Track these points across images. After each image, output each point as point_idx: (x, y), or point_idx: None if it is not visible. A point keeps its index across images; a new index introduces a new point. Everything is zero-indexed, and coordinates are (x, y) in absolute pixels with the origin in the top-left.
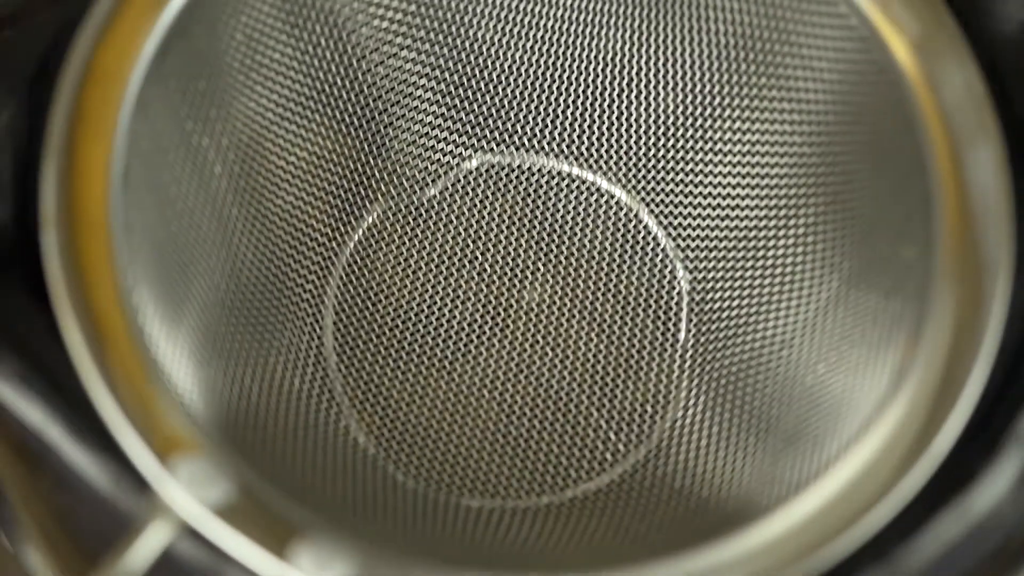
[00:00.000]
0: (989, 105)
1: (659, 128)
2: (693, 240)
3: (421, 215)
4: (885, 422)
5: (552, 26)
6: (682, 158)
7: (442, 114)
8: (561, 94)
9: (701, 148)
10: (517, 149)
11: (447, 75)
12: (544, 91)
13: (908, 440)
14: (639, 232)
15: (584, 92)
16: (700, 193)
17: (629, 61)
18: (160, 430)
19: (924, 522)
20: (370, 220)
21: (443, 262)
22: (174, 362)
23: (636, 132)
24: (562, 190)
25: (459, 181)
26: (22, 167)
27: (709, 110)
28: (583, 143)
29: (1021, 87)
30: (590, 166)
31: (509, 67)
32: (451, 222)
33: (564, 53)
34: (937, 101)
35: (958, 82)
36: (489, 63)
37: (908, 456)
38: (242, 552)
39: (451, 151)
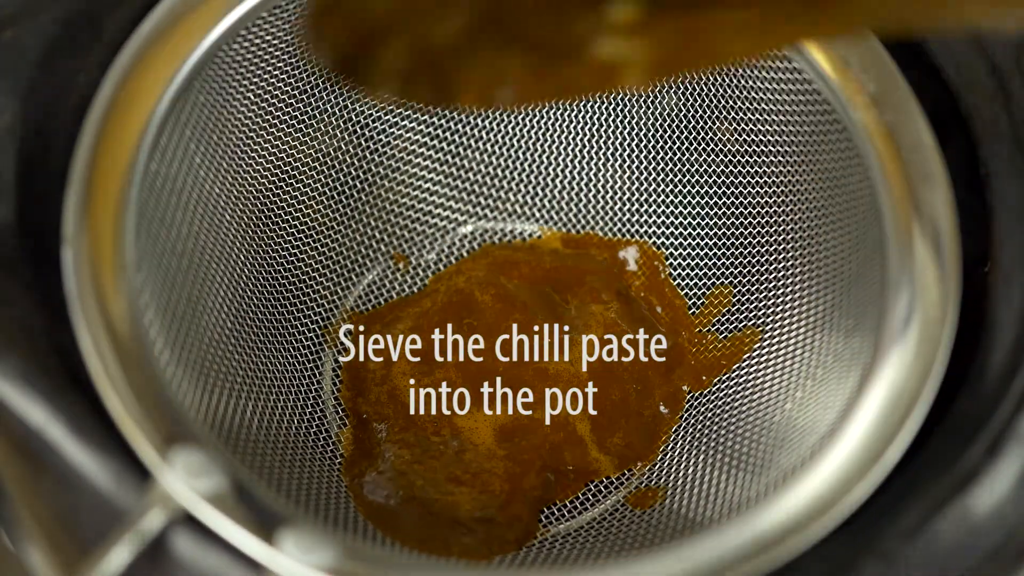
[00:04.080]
0: (937, 152)
1: (639, 196)
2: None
3: (419, 273)
4: (839, 445)
5: (540, 110)
6: (662, 222)
7: (439, 181)
8: (548, 166)
9: (680, 214)
10: (508, 216)
11: (445, 145)
12: (533, 165)
13: (860, 458)
14: None
15: (569, 163)
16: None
17: (609, 132)
18: (160, 425)
19: (924, 522)
20: (370, 277)
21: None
22: (178, 372)
23: (617, 200)
24: None
25: (454, 244)
26: (24, 168)
27: (686, 177)
28: (569, 211)
29: (1020, 84)
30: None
31: (502, 142)
32: (444, 279)
33: (551, 127)
34: (893, 150)
35: (911, 133)
36: (484, 136)
37: (858, 473)
38: (233, 536)
39: (448, 216)
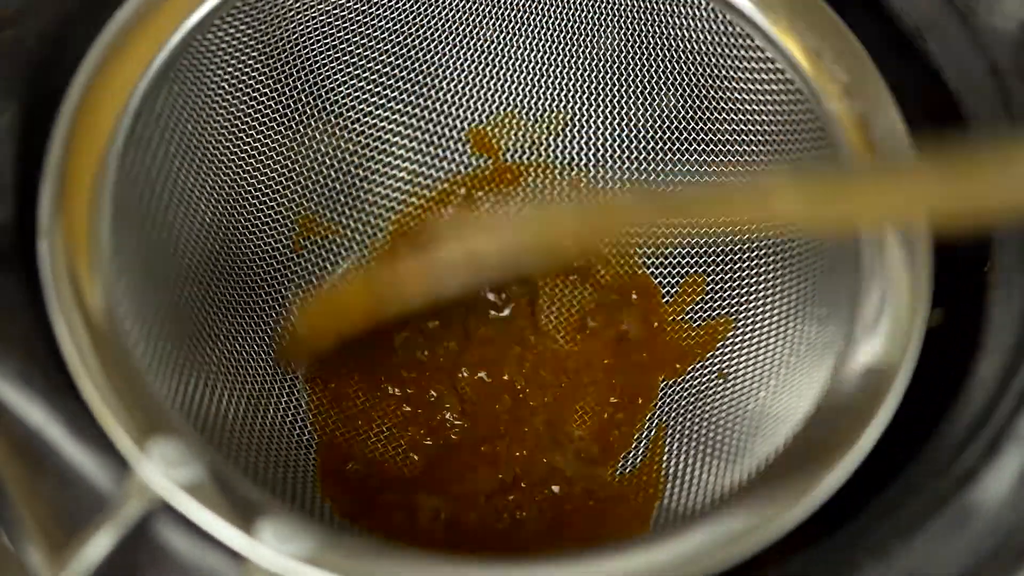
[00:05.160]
0: (909, 141)
1: (612, 184)
2: None
3: None
4: (813, 433)
5: (520, 94)
6: None
7: (413, 170)
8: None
9: None
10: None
11: (419, 134)
12: None
13: (833, 446)
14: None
15: (546, 155)
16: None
17: (582, 120)
18: (138, 417)
19: (924, 522)
20: (344, 267)
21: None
22: (154, 363)
23: (589, 188)
24: None
25: None
26: (22, 168)
27: (660, 166)
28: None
29: (1020, 84)
30: None
31: (478, 119)
32: None
33: (528, 116)
34: (865, 140)
35: (883, 123)
36: (459, 124)
37: (831, 462)
38: (212, 527)
39: (421, 206)
